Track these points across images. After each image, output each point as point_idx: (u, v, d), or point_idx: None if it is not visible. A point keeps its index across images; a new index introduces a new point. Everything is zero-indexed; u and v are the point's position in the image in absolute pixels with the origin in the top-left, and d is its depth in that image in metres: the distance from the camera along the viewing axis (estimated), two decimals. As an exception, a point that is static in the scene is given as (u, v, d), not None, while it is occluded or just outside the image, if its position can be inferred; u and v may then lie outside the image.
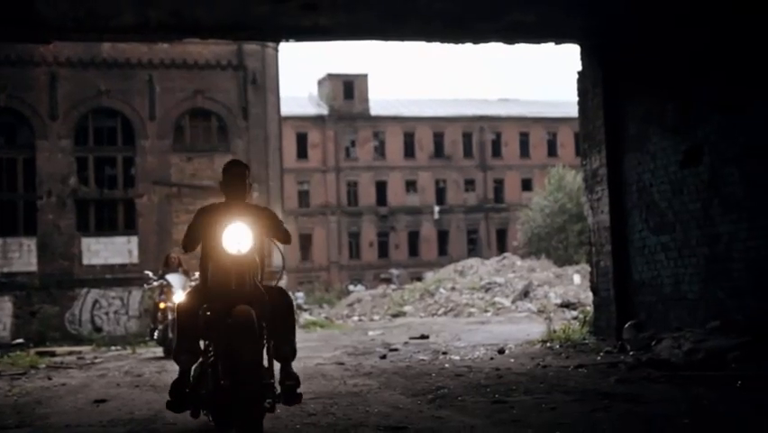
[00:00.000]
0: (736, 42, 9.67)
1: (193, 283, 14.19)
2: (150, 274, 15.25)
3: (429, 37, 11.91)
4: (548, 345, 12.49)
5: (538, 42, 12.66)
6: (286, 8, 10.44)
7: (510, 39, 12.19)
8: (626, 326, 11.05)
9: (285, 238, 5.70)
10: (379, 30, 11.51)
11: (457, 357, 11.95)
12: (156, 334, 15.23)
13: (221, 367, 4.85)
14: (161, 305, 14.77)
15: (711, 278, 10.21)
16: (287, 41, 11.69)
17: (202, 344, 5.30)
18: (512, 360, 10.85)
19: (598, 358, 10.13)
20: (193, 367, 5.36)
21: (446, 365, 10.57)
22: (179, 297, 13.41)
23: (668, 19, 10.79)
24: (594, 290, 12.84)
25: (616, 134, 12.12)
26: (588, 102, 12.81)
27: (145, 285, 16.41)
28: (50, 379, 11.45)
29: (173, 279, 14.37)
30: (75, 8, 9.87)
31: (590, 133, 12.75)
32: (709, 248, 10.23)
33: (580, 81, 13.09)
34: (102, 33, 11.04)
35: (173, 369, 11.35)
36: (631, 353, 10.13)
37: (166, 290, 14.55)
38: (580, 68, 13.10)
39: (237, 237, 4.94)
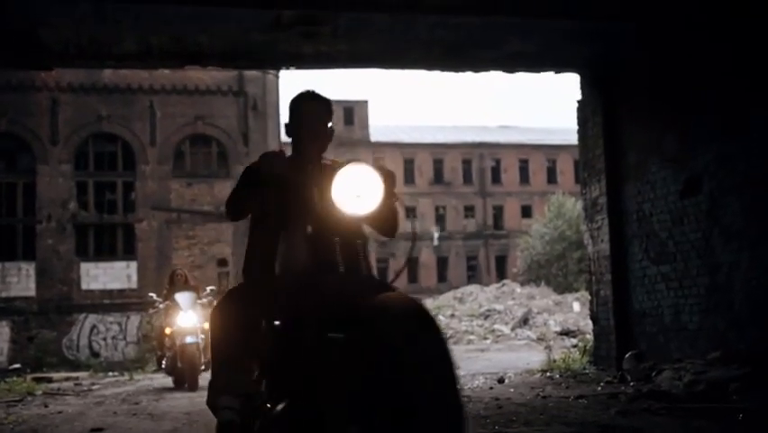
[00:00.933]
0: (733, 72, 9.70)
1: (204, 301, 13.16)
2: (155, 297, 13.93)
3: (429, 65, 11.97)
4: (548, 374, 12.41)
5: (538, 71, 12.72)
6: (287, 36, 10.50)
7: (510, 68, 12.25)
8: (627, 356, 10.99)
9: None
10: (379, 58, 11.56)
11: (456, 386, 11.85)
12: (164, 363, 13.79)
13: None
14: (167, 330, 13.18)
15: (712, 308, 10.17)
16: (287, 68, 11.75)
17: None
18: (512, 389, 10.76)
19: (599, 388, 10.05)
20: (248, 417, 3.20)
21: (445, 395, 10.47)
22: (188, 319, 12.58)
23: (667, 49, 10.84)
24: (594, 319, 12.79)
25: (615, 163, 12.13)
26: (587, 131, 12.84)
27: (150, 309, 14.71)
28: (46, 406, 11.35)
29: (181, 298, 12.91)
30: (77, 35, 9.92)
31: (590, 161, 12.76)
32: (710, 278, 10.20)
33: (579, 110, 13.13)
34: (104, 60, 11.09)
35: (171, 396, 11.25)
36: (631, 383, 10.05)
37: (171, 311, 12.99)
38: (579, 96, 13.15)
39: (357, 186, 2.85)
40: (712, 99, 10.10)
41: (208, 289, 13.99)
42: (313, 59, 11.11)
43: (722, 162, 9.97)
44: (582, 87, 12.94)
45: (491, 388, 11.18)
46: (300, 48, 10.80)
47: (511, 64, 12.05)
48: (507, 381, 12.25)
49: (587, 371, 12.09)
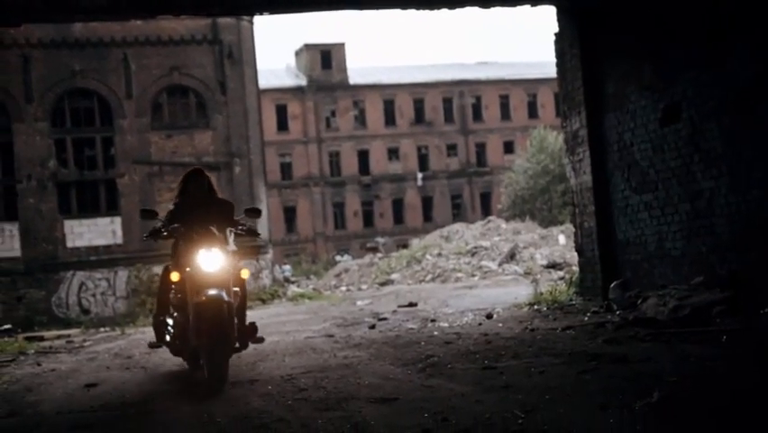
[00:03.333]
0: (710, 1, 9.64)
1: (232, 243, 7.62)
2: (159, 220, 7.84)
3: (404, 4, 11.77)
4: (535, 307, 12.58)
5: (513, 5, 12.53)
6: (259, -20, 10.30)
7: (485, 2, 12.06)
8: (612, 285, 11.13)
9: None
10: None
11: (446, 324, 12.02)
12: (168, 333, 7.91)
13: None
14: (174, 275, 7.32)
15: (694, 234, 10.29)
16: (261, 14, 11.54)
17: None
18: (500, 324, 10.92)
19: (585, 319, 10.22)
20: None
21: (435, 333, 10.63)
22: (214, 259, 6.92)
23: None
24: (579, 250, 12.91)
25: (595, 95, 12.10)
26: (566, 63, 12.78)
27: (144, 236, 8.23)
28: (39, 365, 11.41)
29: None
30: (43, -11, 9.69)
31: (569, 94, 12.72)
32: (691, 204, 10.29)
33: (557, 42, 13.04)
34: (72, 14, 10.84)
35: (163, 349, 11.36)
36: (618, 312, 10.21)
37: (186, 245, 7.27)
38: (557, 29, 13.04)
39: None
40: (689, 27, 10.04)
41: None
42: (287, 3, 10.92)
43: (700, 89, 9.97)
44: (559, 20, 12.83)
45: (480, 324, 11.34)
46: (273, -8, 10.60)
47: (486, -1, 11.88)
48: (495, 316, 12.42)
49: (573, 302, 12.25)
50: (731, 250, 9.65)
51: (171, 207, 7.84)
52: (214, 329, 6.65)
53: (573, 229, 13.46)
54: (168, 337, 7.84)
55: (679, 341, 7.51)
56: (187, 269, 6.99)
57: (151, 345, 8.37)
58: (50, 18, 12.15)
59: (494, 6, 12.39)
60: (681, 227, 10.53)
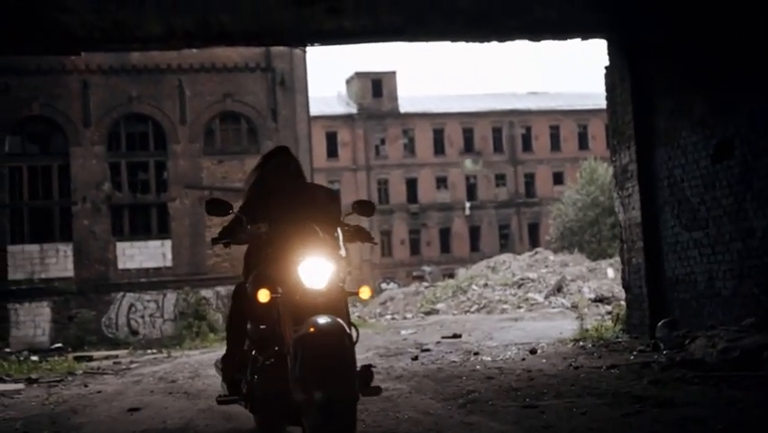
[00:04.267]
0: (763, 32, 9.49)
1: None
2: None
3: (453, 37, 11.86)
4: (581, 343, 12.38)
5: (564, 38, 12.56)
6: (310, 12, 10.49)
7: (535, 35, 12.10)
8: (660, 324, 10.91)
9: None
10: (402, 31, 11.47)
11: (488, 358, 11.89)
12: (245, 380, 5.14)
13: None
14: (262, 294, 4.56)
15: (746, 274, 10.05)
16: (311, 45, 11.74)
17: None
18: (544, 360, 10.76)
19: (631, 358, 10.02)
20: None
21: (477, 367, 10.52)
22: (324, 271, 4.58)
23: (694, 10, 10.62)
24: (626, 287, 12.70)
25: (645, 129, 11.97)
26: (616, 97, 12.67)
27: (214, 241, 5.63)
28: (86, 386, 11.61)
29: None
30: (101, 19, 9.99)
31: (619, 128, 12.60)
32: (743, 243, 10.07)
33: (607, 76, 12.96)
34: (128, 43, 11.16)
35: (206, 374, 11.40)
36: (664, 352, 10.00)
37: (280, 250, 4.76)
38: (607, 62, 12.97)
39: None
40: (743, 61, 9.89)
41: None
42: (336, 35, 11.07)
43: (753, 125, 9.80)
44: (609, 53, 12.76)
45: (523, 359, 11.20)
46: (323, 24, 10.77)
47: (536, 32, 11.91)
48: (539, 351, 12.25)
49: (620, 339, 12.04)
50: (784, 291, 9.40)
51: (241, 202, 5.53)
52: (333, 375, 4.18)
53: (620, 255, 13.24)
54: (245, 388, 5.01)
55: (727, 385, 7.31)
56: (279, 289, 4.52)
57: (221, 401, 5.28)
58: (108, 48, 12.51)
59: (544, 39, 12.43)
60: (732, 266, 10.31)
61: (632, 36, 12.13)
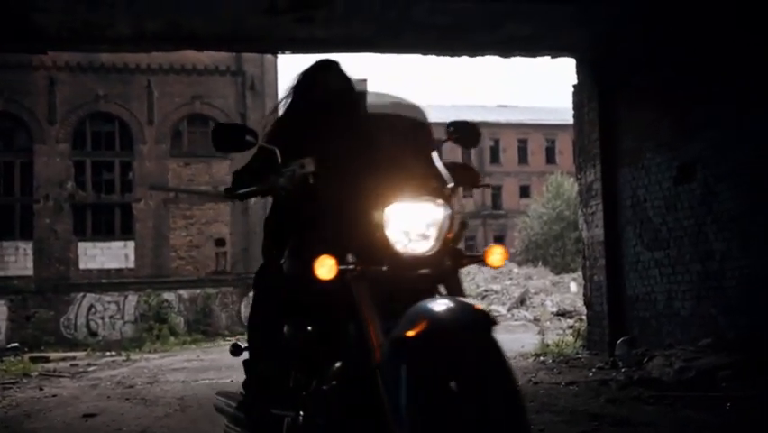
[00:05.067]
0: (729, 60, 9.67)
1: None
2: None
3: (425, 50, 11.92)
4: (541, 358, 12.48)
5: (534, 56, 12.68)
6: (282, 20, 10.45)
7: (506, 52, 12.21)
8: (619, 342, 11.03)
9: None
10: (374, 42, 11.51)
11: (450, 371, 11.92)
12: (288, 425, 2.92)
13: None
14: (325, 268, 2.39)
15: (704, 295, 10.20)
16: (282, 53, 11.72)
17: None
18: (504, 375, 10.81)
19: (590, 375, 10.11)
20: None
21: (438, 380, 10.53)
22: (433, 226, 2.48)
23: (662, 35, 10.79)
24: (588, 304, 12.83)
25: (610, 149, 12.12)
26: (583, 115, 12.82)
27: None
28: (41, 389, 11.43)
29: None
30: (71, 19, 9.87)
31: (585, 146, 12.75)
32: (702, 265, 10.22)
33: (575, 94, 13.10)
34: (98, 44, 11.05)
35: (165, 380, 11.28)
36: (623, 370, 10.11)
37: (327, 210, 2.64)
38: (575, 80, 13.11)
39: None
40: (709, 86, 10.06)
41: None
42: (308, 44, 11.06)
43: (715, 150, 9.96)
44: (578, 72, 12.91)
45: (484, 373, 11.22)
46: (295, 32, 10.75)
47: (507, 48, 12.01)
48: (500, 365, 12.30)
49: (580, 355, 12.15)
50: (740, 313, 9.56)
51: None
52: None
53: (582, 272, 13.38)
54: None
55: (682, 405, 7.41)
56: (350, 258, 2.45)
57: None
58: (77, 47, 12.40)
59: (514, 56, 12.54)
60: (691, 287, 10.46)
61: (600, 57, 12.28)
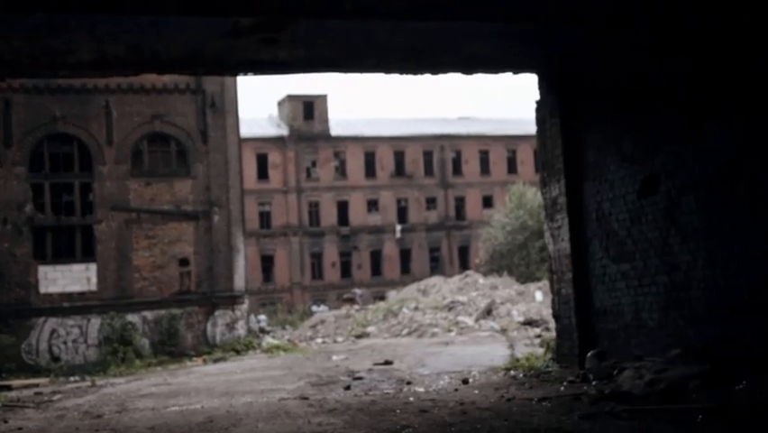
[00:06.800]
0: (688, 74, 9.84)
1: None
2: None
3: (388, 69, 11.97)
4: (512, 373, 12.53)
5: (496, 72, 12.79)
6: (245, 42, 10.41)
7: (468, 69, 12.30)
8: (589, 355, 11.13)
9: None
10: (337, 63, 11.52)
11: (421, 389, 11.92)
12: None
13: None
14: None
15: (671, 306, 10.34)
16: (245, 74, 11.67)
17: None
18: (476, 391, 10.85)
19: (562, 389, 10.18)
20: None
21: (411, 399, 10.54)
22: None
23: (622, 50, 10.95)
24: (556, 317, 12.93)
25: (574, 163, 12.25)
26: (546, 131, 12.95)
27: None
28: (6, 422, 11.18)
29: None
30: (30, 45, 9.74)
31: (549, 161, 12.87)
32: (669, 276, 10.36)
33: (538, 110, 13.23)
34: (58, 70, 10.88)
35: (134, 408, 11.10)
36: (594, 383, 10.20)
37: None
38: (538, 96, 13.24)
39: None
40: (669, 101, 10.23)
41: None
42: (271, 65, 11.04)
43: (679, 163, 10.13)
44: (540, 88, 13.04)
45: (456, 390, 11.26)
46: (258, 54, 10.73)
47: (469, 66, 12.11)
48: (471, 381, 12.35)
49: (550, 369, 12.22)
50: (707, 323, 9.71)
51: None
52: None
53: (550, 285, 13.46)
54: None
55: (654, 419, 7.50)
56: None
57: None
58: (36, 74, 12.20)
59: (477, 73, 12.65)
60: (657, 299, 10.59)
61: (562, 73, 12.43)
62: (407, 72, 12.01)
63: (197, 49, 10.59)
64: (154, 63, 10.82)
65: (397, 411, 9.24)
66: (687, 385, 8.88)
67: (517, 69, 12.58)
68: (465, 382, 12.21)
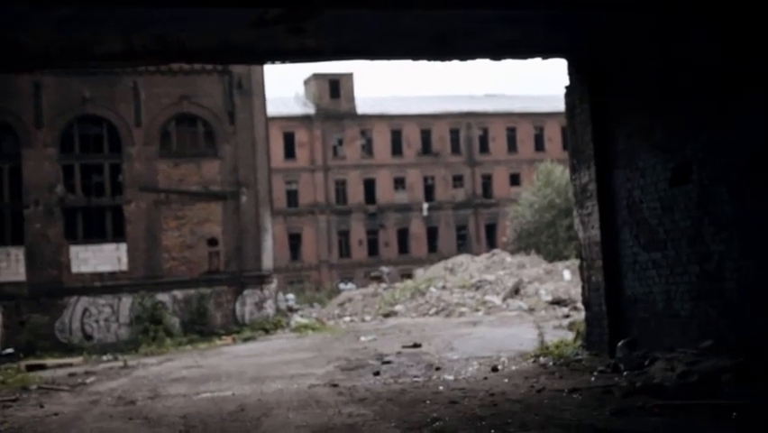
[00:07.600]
0: (719, 60, 9.66)
1: None
2: None
3: (415, 56, 11.86)
4: (541, 360, 12.49)
5: (525, 58, 12.63)
6: (272, 32, 10.38)
7: (496, 55, 12.16)
8: (620, 344, 11.05)
9: None
10: (365, 50, 11.45)
11: (450, 376, 11.94)
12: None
13: None
14: None
15: (703, 296, 10.23)
16: (272, 63, 11.63)
17: None
18: (506, 380, 10.84)
19: (592, 379, 10.13)
20: None
21: (440, 388, 10.56)
22: None
23: (654, 35, 10.77)
24: (586, 304, 12.85)
25: (604, 150, 12.11)
26: (575, 117, 12.79)
27: None
28: (41, 406, 11.39)
29: None
30: (60, 38, 9.78)
31: (579, 147, 12.73)
32: (701, 266, 10.24)
33: (567, 96, 13.07)
34: (86, 61, 10.94)
35: (167, 394, 11.22)
36: (625, 373, 10.13)
37: None
38: (567, 81, 13.08)
39: None
40: (702, 87, 10.05)
41: None
42: (299, 54, 11.00)
43: (711, 151, 9.96)
44: (569, 73, 12.87)
45: (485, 378, 11.26)
46: (285, 43, 10.68)
47: (497, 52, 11.96)
48: (500, 367, 12.34)
49: (580, 357, 12.16)
50: (740, 315, 9.59)
51: None
52: None
53: (580, 273, 13.35)
54: None
55: (687, 414, 7.44)
56: None
57: None
58: (65, 65, 12.25)
59: (505, 59, 12.49)
60: (689, 288, 10.48)
61: (591, 58, 12.25)
62: (435, 59, 11.89)
63: (223, 38, 10.57)
64: (181, 53, 10.83)
65: (427, 402, 9.26)
66: (719, 378, 8.79)
67: (546, 54, 12.39)
68: (495, 369, 12.20)
